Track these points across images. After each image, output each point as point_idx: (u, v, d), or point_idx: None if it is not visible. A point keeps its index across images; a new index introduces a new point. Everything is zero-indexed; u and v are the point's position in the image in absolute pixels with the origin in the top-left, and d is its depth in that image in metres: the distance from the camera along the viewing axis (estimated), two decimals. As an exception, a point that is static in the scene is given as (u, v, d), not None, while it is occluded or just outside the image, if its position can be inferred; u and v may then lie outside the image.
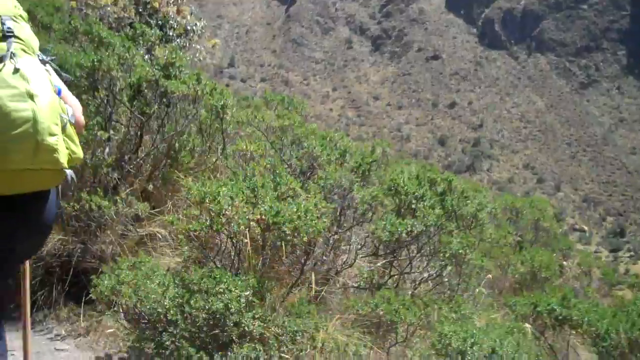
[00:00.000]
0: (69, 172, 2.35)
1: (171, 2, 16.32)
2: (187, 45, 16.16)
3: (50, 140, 2.20)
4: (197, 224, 3.87)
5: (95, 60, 4.79)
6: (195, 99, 5.19)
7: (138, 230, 4.65)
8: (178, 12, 16.28)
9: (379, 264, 5.19)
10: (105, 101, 5.03)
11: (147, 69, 5.08)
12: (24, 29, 2.39)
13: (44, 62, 2.43)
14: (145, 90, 5.12)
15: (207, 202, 3.85)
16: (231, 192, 3.92)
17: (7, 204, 2.26)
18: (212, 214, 3.82)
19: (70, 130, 2.40)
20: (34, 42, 2.44)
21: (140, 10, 15.55)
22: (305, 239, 3.94)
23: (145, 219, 4.73)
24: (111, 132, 4.91)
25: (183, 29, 16.07)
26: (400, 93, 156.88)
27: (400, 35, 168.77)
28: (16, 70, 2.19)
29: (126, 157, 5.07)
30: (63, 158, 2.26)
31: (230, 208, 3.81)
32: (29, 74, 2.22)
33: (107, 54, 4.93)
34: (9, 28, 2.29)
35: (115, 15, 14.49)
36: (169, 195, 5.11)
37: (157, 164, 5.22)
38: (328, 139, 5.91)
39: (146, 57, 5.70)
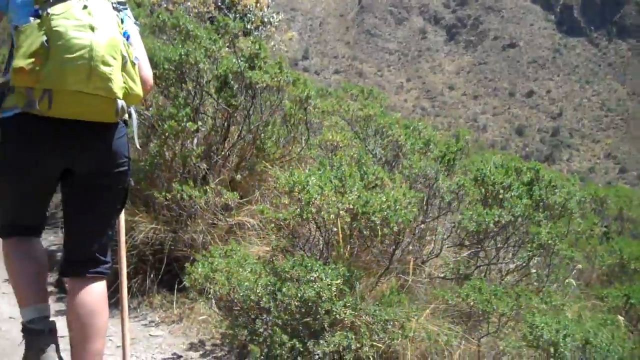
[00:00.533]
0: (121, 102, 2.54)
1: (250, -5, 16.52)
2: (265, 38, 16.33)
3: (104, 68, 2.45)
4: (287, 212, 3.90)
5: (183, 53, 4.89)
6: (279, 90, 5.23)
7: (227, 219, 4.73)
8: (256, 4, 16.46)
9: (464, 255, 5.13)
10: (193, 93, 5.12)
11: (233, 60, 5.14)
12: None
13: (117, 9, 2.70)
14: (232, 82, 5.19)
15: (296, 192, 3.88)
16: (320, 181, 3.94)
17: (72, 125, 2.54)
18: (302, 203, 3.85)
19: (131, 69, 2.59)
20: None
21: (219, 4, 15.80)
22: (395, 228, 3.93)
23: (234, 208, 4.80)
24: (199, 123, 4.99)
25: (260, 21, 16.25)
26: (476, 82, 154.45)
27: (476, 24, 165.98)
28: (84, 7, 2.49)
29: (214, 148, 5.16)
30: (117, 89, 2.50)
31: (319, 197, 3.83)
32: (95, 11, 2.52)
33: (194, 46, 5.01)
34: None
35: (196, 10, 14.77)
36: (256, 185, 5.17)
37: (243, 154, 5.29)
38: (411, 128, 5.86)
39: (227, 49, 5.77)
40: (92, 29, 2.46)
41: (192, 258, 4.25)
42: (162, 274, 4.58)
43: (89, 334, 2.64)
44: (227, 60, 5.21)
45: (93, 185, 2.71)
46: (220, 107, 5.20)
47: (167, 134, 4.75)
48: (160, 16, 5.57)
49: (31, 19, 2.48)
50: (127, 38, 2.69)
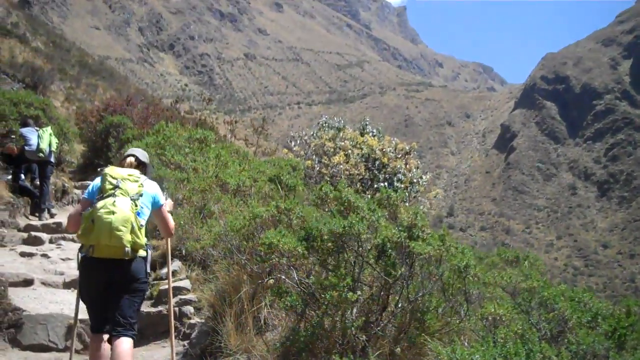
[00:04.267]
0: (127, 249, 4.91)
1: (399, 157, 16.98)
2: (413, 197, 16.54)
3: (117, 233, 4.86)
4: (451, 393, 3.75)
5: (346, 225, 5.00)
6: (439, 260, 5.18)
7: (387, 396, 4.59)
8: (405, 166, 16.84)
9: None
10: (353, 262, 5.18)
11: (393, 230, 5.19)
12: (126, 183, 5.21)
13: (134, 200, 5.15)
14: (390, 251, 5.21)
15: (460, 371, 3.74)
16: (484, 359, 3.79)
17: (108, 262, 4.97)
18: (467, 384, 3.69)
19: (137, 231, 5.02)
20: (132, 189, 5.20)
21: (369, 166, 16.31)
22: (568, 414, 3.67)
23: (394, 384, 4.67)
24: (358, 293, 5.00)
25: (409, 181, 16.53)
26: (632, 240, 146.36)
27: (629, 179, 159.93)
28: (113, 203, 4.98)
29: (372, 318, 5.11)
30: (126, 242, 4.90)
31: (485, 378, 3.67)
32: (118, 203, 4.99)
33: (357, 219, 5.12)
34: (117, 185, 5.16)
35: (347, 173, 15.30)
36: (415, 359, 5.03)
37: (402, 325, 5.20)
38: (577, 299, 5.58)
39: (385, 218, 5.84)
40: (113, 213, 4.90)
41: None
42: None
43: None
44: (387, 230, 5.27)
45: (123, 292, 5.06)
46: (380, 277, 5.21)
47: (327, 303, 4.79)
48: (323, 189, 5.79)
49: (90, 208, 5.07)
50: (150, 206, 5.40)
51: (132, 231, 4.95)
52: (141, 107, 23.82)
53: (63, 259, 10.29)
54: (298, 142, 17.61)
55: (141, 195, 5.26)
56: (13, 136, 13.36)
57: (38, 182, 13.71)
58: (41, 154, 13.40)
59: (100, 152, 19.54)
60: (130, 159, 5.72)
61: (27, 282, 8.52)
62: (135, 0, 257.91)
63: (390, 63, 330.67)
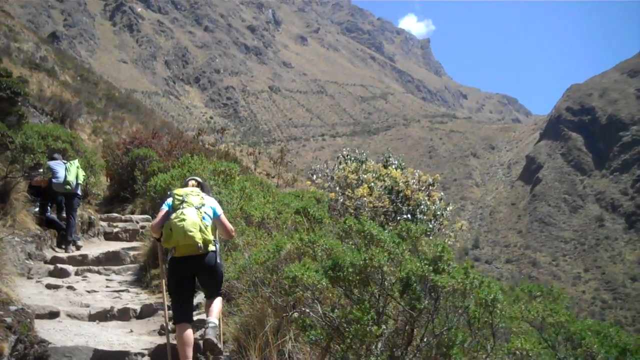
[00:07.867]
0: (200, 245, 6.41)
1: (422, 189, 16.90)
2: (436, 229, 16.41)
3: (189, 234, 6.39)
4: None
5: (367, 258, 4.98)
6: (464, 293, 5.13)
7: None
8: (429, 197, 16.75)
9: None
10: (377, 296, 5.14)
11: (417, 263, 5.16)
12: (190, 197, 6.78)
13: (198, 208, 6.70)
14: (414, 285, 5.17)
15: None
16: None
17: (189, 258, 6.50)
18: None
19: (205, 229, 6.53)
20: (195, 201, 6.76)
21: (393, 198, 16.22)
22: None
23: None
24: (382, 326, 4.96)
25: (432, 214, 16.42)
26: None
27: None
28: (182, 212, 6.55)
29: (397, 353, 5.06)
30: (198, 240, 6.42)
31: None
32: (186, 212, 6.57)
33: (378, 251, 5.10)
34: (183, 200, 6.74)
35: (371, 205, 15.25)
36: (441, 395, 4.96)
37: (428, 360, 5.15)
38: (604, 334, 5.48)
39: (409, 252, 5.80)
40: (184, 220, 6.45)
41: None
42: None
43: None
44: (411, 263, 5.24)
45: (206, 278, 6.73)
46: (404, 310, 5.16)
47: (352, 337, 4.75)
48: (347, 222, 5.79)
49: (167, 221, 6.60)
50: (212, 215, 6.87)
51: (201, 230, 6.48)
52: (166, 140, 24.01)
53: (89, 291, 10.33)
54: (320, 174, 17.59)
55: (203, 205, 6.84)
56: (41, 169, 13.53)
57: (65, 215, 13.84)
58: (68, 187, 13.57)
59: (126, 184, 19.70)
60: (192, 182, 7.43)
61: (53, 315, 8.56)
62: (161, 35, 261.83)
63: (414, 95, 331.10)
